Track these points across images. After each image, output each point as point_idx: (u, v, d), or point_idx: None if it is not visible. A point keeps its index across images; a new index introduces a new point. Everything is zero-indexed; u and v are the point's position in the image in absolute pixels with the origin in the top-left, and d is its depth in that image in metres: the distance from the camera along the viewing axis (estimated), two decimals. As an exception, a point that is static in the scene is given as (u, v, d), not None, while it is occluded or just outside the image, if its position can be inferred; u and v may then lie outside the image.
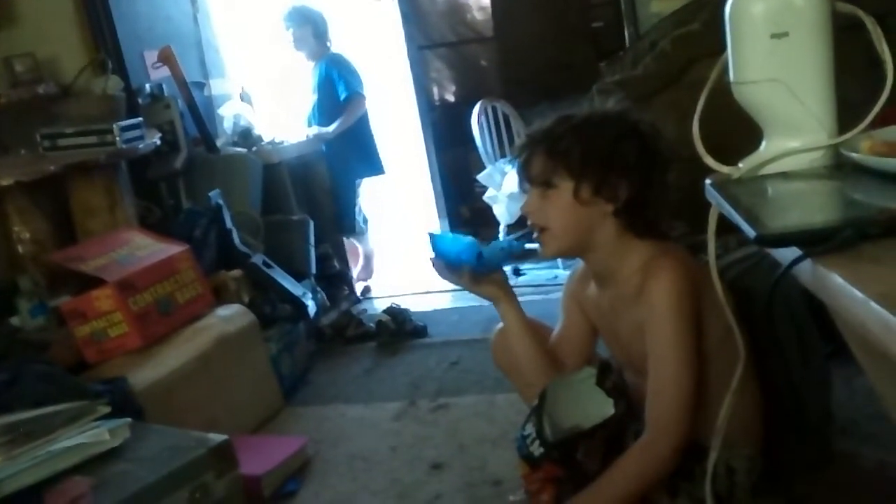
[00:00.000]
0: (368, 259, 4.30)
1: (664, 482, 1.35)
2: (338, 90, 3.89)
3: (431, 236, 1.59)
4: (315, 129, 3.93)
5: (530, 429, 1.45)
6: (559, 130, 1.43)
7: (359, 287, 4.14)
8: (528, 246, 1.59)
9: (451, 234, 1.54)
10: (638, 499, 1.34)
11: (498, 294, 1.60)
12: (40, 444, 1.69)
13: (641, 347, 1.39)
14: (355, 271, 4.26)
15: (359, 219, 4.15)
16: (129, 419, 1.82)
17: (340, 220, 4.11)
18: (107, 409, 1.85)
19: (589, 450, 1.40)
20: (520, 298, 1.63)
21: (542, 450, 1.41)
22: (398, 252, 4.58)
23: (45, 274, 2.63)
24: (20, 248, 2.74)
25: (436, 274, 1.59)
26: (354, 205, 4.11)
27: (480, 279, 1.57)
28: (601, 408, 1.39)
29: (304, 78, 4.16)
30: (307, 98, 4.09)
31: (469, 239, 1.56)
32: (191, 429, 1.90)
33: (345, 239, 4.19)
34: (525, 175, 1.47)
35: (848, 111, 1.05)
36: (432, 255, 1.57)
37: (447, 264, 1.56)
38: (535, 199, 1.45)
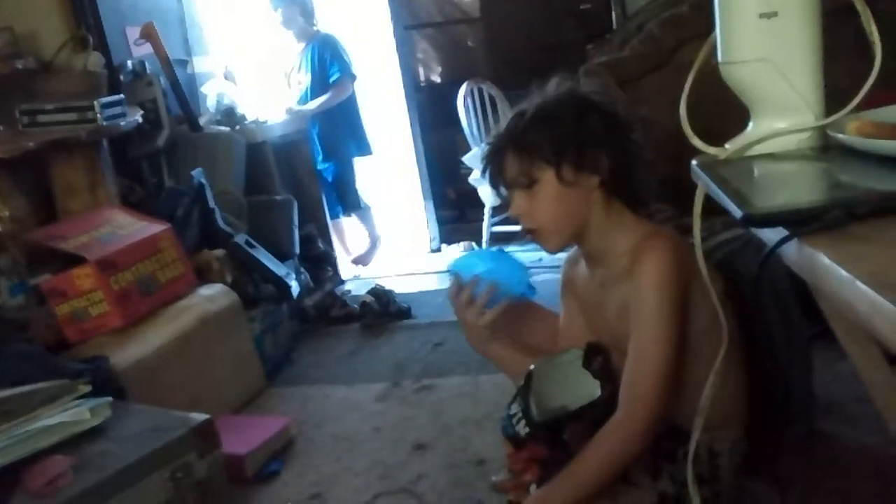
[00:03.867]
0: (374, 244, 4.36)
1: (645, 463, 1.36)
2: (329, 71, 3.95)
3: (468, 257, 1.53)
4: (296, 108, 3.98)
5: (516, 408, 1.44)
6: (520, 127, 1.41)
7: (351, 268, 4.19)
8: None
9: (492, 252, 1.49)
10: (612, 478, 1.33)
11: (481, 339, 1.54)
12: (20, 422, 1.68)
13: (628, 329, 1.38)
14: (348, 251, 4.33)
15: (361, 195, 4.28)
16: (109, 398, 1.81)
17: (345, 197, 4.23)
18: (87, 389, 1.84)
19: (575, 430, 1.40)
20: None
21: (528, 429, 1.41)
22: (383, 234, 4.56)
23: (24, 252, 2.59)
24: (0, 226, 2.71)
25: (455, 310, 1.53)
26: (355, 180, 4.22)
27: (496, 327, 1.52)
28: (588, 389, 1.39)
29: (288, 57, 4.12)
30: (295, 78, 4.11)
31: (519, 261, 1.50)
32: (173, 408, 1.90)
33: (337, 220, 4.24)
34: (503, 182, 1.44)
35: (836, 96, 1.04)
36: (455, 281, 1.50)
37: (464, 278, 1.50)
38: (521, 201, 1.41)
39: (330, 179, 4.23)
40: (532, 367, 1.45)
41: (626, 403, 1.31)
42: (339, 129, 4.09)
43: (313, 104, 3.98)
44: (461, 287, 1.49)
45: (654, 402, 1.28)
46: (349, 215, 4.35)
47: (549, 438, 1.40)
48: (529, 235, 1.44)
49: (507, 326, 1.58)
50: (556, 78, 1.45)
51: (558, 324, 1.63)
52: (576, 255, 1.57)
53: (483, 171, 1.49)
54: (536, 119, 1.40)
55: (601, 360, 1.39)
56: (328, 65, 3.97)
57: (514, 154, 1.40)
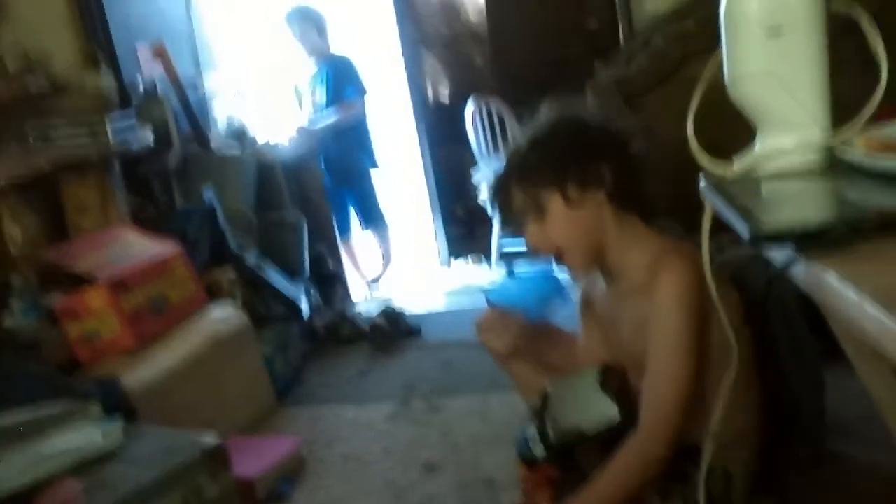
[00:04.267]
0: (388, 262, 4.33)
1: (657, 483, 1.35)
2: (344, 93, 3.99)
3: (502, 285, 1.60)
4: (307, 126, 3.99)
5: (532, 430, 1.44)
6: (518, 158, 1.44)
7: (365, 289, 4.23)
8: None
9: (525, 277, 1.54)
10: (630, 497, 1.33)
11: (506, 358, 1.60)
12: (32, 445, 1.68)
13: (645, 346, 1.37)
14: (363, 272, 4.30)
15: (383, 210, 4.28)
16: (122, 422, 1.81)
17: (370, 212, 4.20)
18: (99, 410, 1.84)
19: (587, 451, 1.39)
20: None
21: (544, 452, 1.41)
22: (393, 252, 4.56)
23: (36, 272, 2.61)
24: (11, 247, 2.72)
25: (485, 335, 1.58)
26: (376, 193, 4.23)
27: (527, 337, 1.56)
28: (604, 410, 1.38)
29: (300, 74, 4.14)
30: (308, 99, 4.12)
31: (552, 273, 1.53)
32: (184, 429, 1.89)
33: (347, 240, 4.19)
34: (513, 215, 1.47)
35: (842, 112, 1.04)
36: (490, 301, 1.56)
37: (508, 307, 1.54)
38: (535, 230, 1.43)
39: (349, 199, 4.19)
40: (548, 387, 1.45)
41: (647, 425, 1.30)
42: (352, 145, 4.07)
43: (324, 121, 3.97)
44: (488, 316, 1.55)
45: (675, 423, 1.28)
46: (368, 230, 4.28)
47: (564, 460, 1.39)
48: (555, 262, 1.45)
49: (529, 346, 1.60)
50: (544, 106, 1.49)
51: (577, 344, 1.63)
52: (594, 274, 1.57)
53: (493, 210, 1.51)
54: (532, 147, 1.43)
55: (617, 380, 1.38)
56: (343, 87, 4.00)
57: (518, 186, 1.42)
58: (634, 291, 1.39)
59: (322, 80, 4.03)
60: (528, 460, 1.44)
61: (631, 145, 1.45)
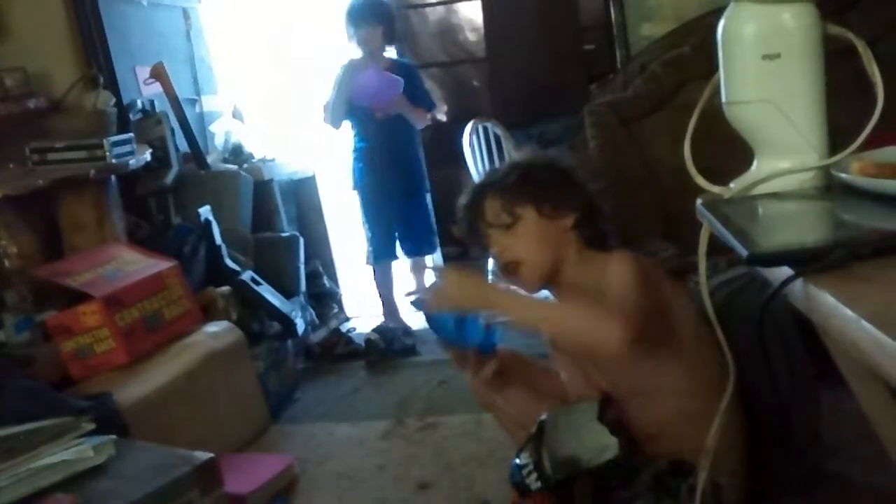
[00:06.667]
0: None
1: (647, 500, 1.35)
2: (420, 99, 3.55)
3: (428, 318, 1.57)
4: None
5: (527, 458, 1.44)
6: (498, 175, 1.57)
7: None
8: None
9: (451, 316, 1.52)
10: (576, 333, 1.36)
11: (486, 395, 1.67)
12: (23, 460, 1.67)
13: (621, 368, 1.42)
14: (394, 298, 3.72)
15: None
16: (113, 436, 1.81)
17: (430, 236, 3.65)
18: (91, 426, 1.83)
19: (582, 483, 1.39)
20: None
21: (539, 483, 1.41)
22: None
23: (31, 288, 2.60)
24: (6, 263, 2.72)
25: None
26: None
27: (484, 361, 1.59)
28: (603, 443, 1.39)
29: (295, 95, 4.16)
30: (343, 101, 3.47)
31: (469, 317, 1.52)
32: (176, 446, 1.88)
33: (387, 265, 3.63)
34: (485, 225, 1.54)
35: (837, 137, 1.06)
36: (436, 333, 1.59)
37: (451, 344, 1.58)
38: (503, 239, 1.52)
39: (403, 218, 3.60)
40: (544, 416, 1.46)
41: (613, 308, 1.34)
42: (417, 158, 3.65)
43: (410, 107, 3.48)
44: (458, 354, 1.60)
45: (635, 321, 1.29)
46: (417, 256, 3.67)
47: (558, 491, 1.39)
48: (509, 275, 1.52)
49: (520, 377, 1.67)
50: (522, 148, 1.63)
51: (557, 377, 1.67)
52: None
53: (461, 220, 1.59)
54: (513, 168, 1.57)
55: (613, 411, 1.39)
56: (417, 92, 3.53)
57: (495, 198, 1.52)
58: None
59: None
60: (523, 490, 1.44)
61: (594, 189, 1.57)
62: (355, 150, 3.58)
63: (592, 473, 1.38)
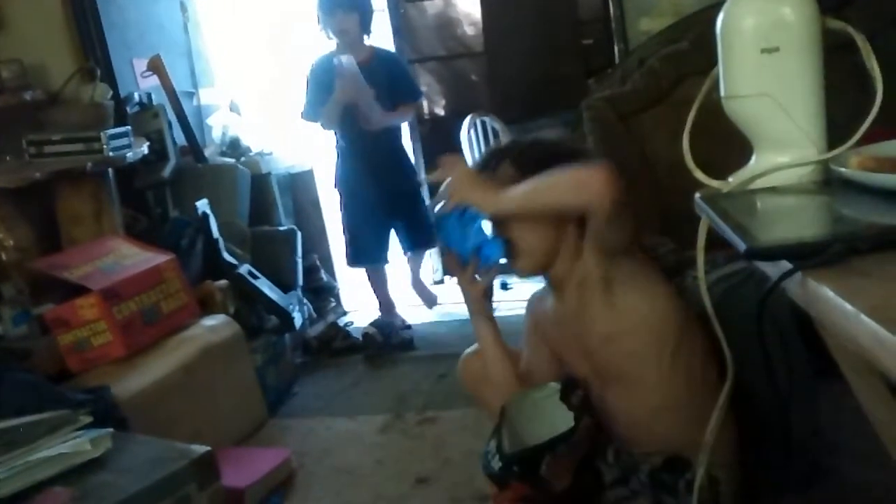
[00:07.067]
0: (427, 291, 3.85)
1: (646, 498, 1.35)
2: (402, 89, 3.38)
3: (438, 219, 1.55)
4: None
5: (492, 444, 1.44)
6: (521, 146, 1.57)
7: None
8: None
9: (458, 216, 1.51)
10: (562, 192, 1.36)
11: (482, 306, 1.61)
12: (20, 453, 1.67)
13: (606, 355, 1.44)
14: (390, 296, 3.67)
15: None
16: (111, 429, 1.81)
17: (423, 233, 3.50)
18: (89, 419, 1.83)
19: (554, 466, 1.38)
20: (507, 313, 1.64)
21: (500, 464, 1.40)
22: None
23: (28, 281, 2.60)
24: (4, 256, 2.71)
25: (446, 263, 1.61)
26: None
27: (476, 278, 1.57)
28: (563, 422, 1.39)
29: (293, 89, 4.14)
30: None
31: (478, 225, 1.52)
32: (174, 440, 1.88)
33: (380, 268, 3.56)
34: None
35: (835, 131, 1.05)
36: (441, 240, 1.58)
37: (454, 251, 1.56)
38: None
39: (396, 221, 3.52)
40: (507, 402, 1.46)
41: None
42: (402, 159, 3.52)
43: (386, 115, 3.30)
44: (458, 263, 1.57)
45: (614, 180, 1.30)
46: (414, 252, 3.63)
47: (526, 474, 1.38)
48: (504, 257, 1.50)
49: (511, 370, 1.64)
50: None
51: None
52: (541, 295, 1.62)
53: (478, 170, 1.55)
54: (536, 143, 1.57)
55: (580, 394, 1.39)
56: (400, 84, 3.37)
57: (512, 164, 1.50)
58: (592, 300, 1.45)
59: (368, 77, 3.22)
60: (492, 476, 1.44)
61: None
62: (337, 147, 3.48)
63: (550, 448, 1.37)
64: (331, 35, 3.29)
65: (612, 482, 1.41)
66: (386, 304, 3.63)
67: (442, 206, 1.49)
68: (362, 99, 3.19)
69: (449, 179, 1.47)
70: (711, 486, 1.37)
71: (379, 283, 3.60)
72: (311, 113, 3.35)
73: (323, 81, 3.26)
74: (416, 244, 3.58)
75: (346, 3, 3.21)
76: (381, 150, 3.37)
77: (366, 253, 3.50)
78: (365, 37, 3.34)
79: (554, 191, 1.38)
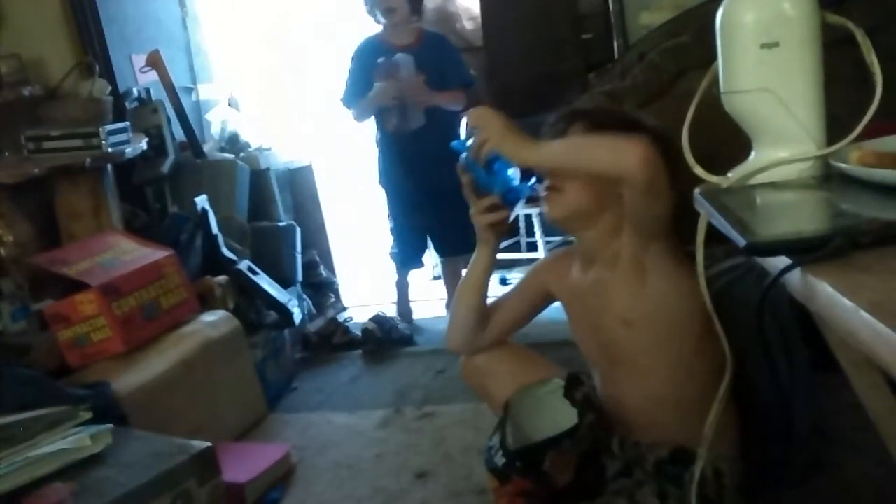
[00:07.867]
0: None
1: (651, 487, 1.35)
2: (457, 73, 3.26)
3: (466, 162, 1.52)
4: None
5: (495, 440, 1.44)
6: (598, 111, 1.62)
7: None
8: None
9: (488, 163, 1.49)
10: (595, 160, 1.35)
11: (491, 238, 1.61)
12: (20, 449, 1.67)
13: (620, 338, 1.43)
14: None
15: None
16: (111, 425, 1.81)
17: (466, 234, 3.45)
18: (89, 415, 1.83)
19: (558, 462, 1.39)
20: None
21: (504, 459, 1.40)
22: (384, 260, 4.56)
23: (27, 277, 2.60)
24: (3, 251, 2.71)
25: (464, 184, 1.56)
26: None
27: (494, 210, 1.55)
28: (567, 418, 1.39)
29: (293, 84, 4.14)
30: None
31: (506, 173, 1.51)
32: (174, 435, 1.88)
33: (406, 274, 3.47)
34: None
35: (835, 126, 1.05)
36: (464, 163, 1.54)
37: (472, 175, 1.54)
38: None
39: (435, 220, 3.30)
40: (510, 397, 1.46)
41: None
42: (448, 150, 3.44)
43: (433, 95, 3.15)
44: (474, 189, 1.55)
45: (651, 157, 1.27)
46: (451, 257, 3.42)
47: (529, 469, 1.38)
48: (545, 192, 1.48)
49: (517, 366, 1.67)
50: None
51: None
52: (565, 256, 1.64)
53: (551, 126, 1.54)
54: (611, 112, 1.70)
55: (584, 390, 1.39)
56: (451, 68, 3.22)
57: (583, 126, 1.48)
58: (617, 281, 1.44)
59: (418, 64, 3.14)
60: (495, 471, 1.44)
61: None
62: (378, 140, 3.34)
63: (554, 444, 1.37)
64: (379, 18, 3.17)
65: (616, 474, 1.41)
66: (403, 308, 3.59)
67: (473, 152, 1.47)
68: (414, 97, 3.11)
69: (481, 126, 1.45)
70: (716, 479, 1.37)
71: (403, 287, 3.58)
72: (350, 100, 3.28)
73: (367, 67, 3.18)
74: (453, 249, 3.36)
75: None
76: (428, 138, 3.15)
77: (410, 258, 3.47)
78: (414, 18, 3.21)
79: (589, 154, 1.36)
